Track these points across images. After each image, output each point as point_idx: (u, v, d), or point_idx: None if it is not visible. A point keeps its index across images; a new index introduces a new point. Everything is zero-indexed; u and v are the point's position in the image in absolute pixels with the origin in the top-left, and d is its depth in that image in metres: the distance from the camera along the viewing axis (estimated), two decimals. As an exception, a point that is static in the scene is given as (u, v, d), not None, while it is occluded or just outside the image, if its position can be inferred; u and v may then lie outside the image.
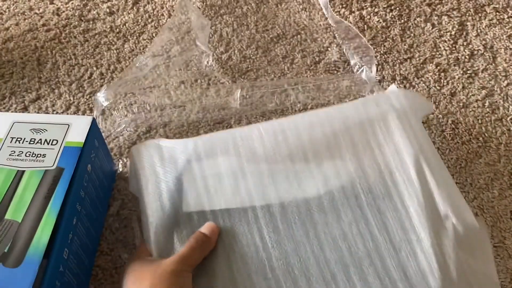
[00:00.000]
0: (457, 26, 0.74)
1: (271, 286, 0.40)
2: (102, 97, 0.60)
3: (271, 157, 0.46)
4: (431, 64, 0.69)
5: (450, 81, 0.67)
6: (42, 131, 0.47)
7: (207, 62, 0.66)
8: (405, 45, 0.72)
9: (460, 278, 0.39)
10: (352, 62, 0.68)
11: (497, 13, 0.76)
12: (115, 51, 0.70)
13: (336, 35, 0.72)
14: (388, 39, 0.72)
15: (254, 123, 0.52)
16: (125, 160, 0.57)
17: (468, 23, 0.75)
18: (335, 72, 0.68)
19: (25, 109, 0.63)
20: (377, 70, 0.66)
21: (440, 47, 0.71)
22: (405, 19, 0.75)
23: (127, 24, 0.74)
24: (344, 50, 0.70)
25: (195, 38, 0.67)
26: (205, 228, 0.42)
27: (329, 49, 0.71)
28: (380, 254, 0.41)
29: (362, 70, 0.65)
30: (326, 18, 0.74)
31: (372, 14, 0.76)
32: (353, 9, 0.76)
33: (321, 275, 0.40)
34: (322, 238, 0.42)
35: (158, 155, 0.47)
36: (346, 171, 0.45)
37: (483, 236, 0.44)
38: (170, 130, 0.61)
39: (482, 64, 0.69)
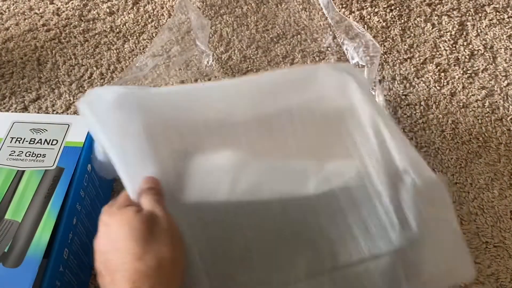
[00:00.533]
0: (457, 26, 0.74)
1: (244, 257, 0.40)
2: None
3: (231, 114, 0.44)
4: (431, 64, 0.69)
5: (450, 81, 0.67)
6: (42, 131, 0.47)
7: (207, 62, 0.66)
8: (405, 45, 0.72)
9: (420, 227, 0.40)
10: (352, 62, 0.68)
11: (497, 13, 0.76)
12: (115, 51, 0.70)
13: (336, 35, 0.72)
14: (388, 39, 0.72)
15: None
16: None
17: (468, 23, 0.75)
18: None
19: (25, 109, 0.63)
20: (377, 70, 0.67)
21: (440, 47, 0.71)
22: (405, 19, 0.75)
23: (127, 24, 0.74)
24: (344, 49, 0.70)
25: (195, 38, 0.67)
26: (147, 182, 0.39)
27: (329, 49, 0.71)
28: (342, 213, 0.41)
29: (363, 70, 0.65)
30: (326, 18, 0.74)
31: (372, 14, 0.76)
32: (353, 9, 0.76)
33: (286, 239, 0.41)
34: (287, 200, 0.42)
35: (115, 111, 0.41)
36: (307, 140, 0.45)
37: (441, 188, 0.44)
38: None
39: (482, 64, 0.69)
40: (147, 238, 0.34)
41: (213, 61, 0.68)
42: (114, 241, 0.35)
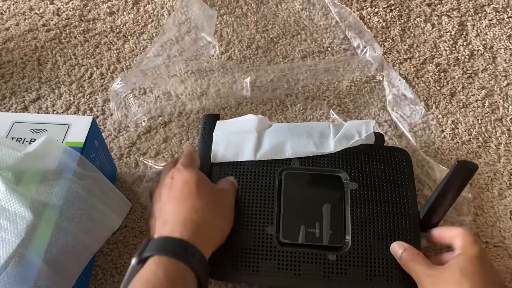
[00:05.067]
0: (457, 26, 0.74)
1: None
2: (117, 88, 0.61)
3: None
4: (431, 64, 0.69)
5: (450, 81, 0.67)
6: (42, 131, 0.47)
7: (214, 53, 0.67)
8: (405, 45, 0.72)
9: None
10: (355, 44, 0.70)
11: (497, 13, 0.76)
12: (115, 51, 0.70)
13: (338, 19, 0.74)
14: (388, 39, 0.72)
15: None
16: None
17: (468, 23, 0.75)
18: (335, 72, 0.68)
19: (25, 109, 0.63)
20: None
21: (440, 47, 0.71)
22: (405, 19, 0.75)
23: (127, 24, 0.74)
24: (347, 34, 0.72)
25: (201, 29, 0.67)
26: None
27: (329, 49, 0.71)
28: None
29: (366, 51, 0.68)
30: (327, 18, 0.75)
31: (372, 14, 0.76)
32: (353, 9, 0.76)
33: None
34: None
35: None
36: None
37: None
38: (170, 130, 0.61)
39: (482, 64, 0.69)
40: (207, 196, 0.44)
41: (219, 51, 0.69)
42: (176, 193, 0.43)
